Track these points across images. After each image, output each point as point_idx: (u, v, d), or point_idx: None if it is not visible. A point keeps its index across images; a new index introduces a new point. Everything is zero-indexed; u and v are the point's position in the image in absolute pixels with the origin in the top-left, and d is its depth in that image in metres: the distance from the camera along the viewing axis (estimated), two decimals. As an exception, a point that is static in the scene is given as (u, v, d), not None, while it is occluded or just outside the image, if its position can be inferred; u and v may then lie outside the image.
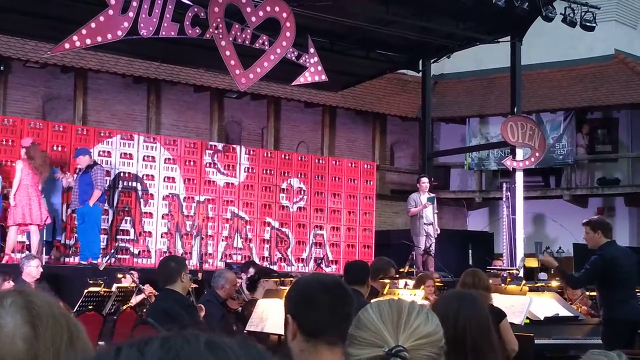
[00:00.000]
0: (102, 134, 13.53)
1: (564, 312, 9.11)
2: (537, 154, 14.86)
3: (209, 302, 7.89)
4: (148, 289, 9.19)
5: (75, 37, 10.78)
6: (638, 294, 8.88)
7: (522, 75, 15.48)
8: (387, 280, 7.78)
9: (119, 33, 11.00)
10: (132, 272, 10.08)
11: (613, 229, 8.38)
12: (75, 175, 12.14)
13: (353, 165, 16.10)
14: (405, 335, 1.63)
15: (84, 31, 10.79)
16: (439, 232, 14.14)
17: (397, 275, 8.47)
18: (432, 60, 16.56)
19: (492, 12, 13.64)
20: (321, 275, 3.14)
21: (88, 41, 10.90)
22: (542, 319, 8.77)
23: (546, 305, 9.13)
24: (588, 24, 14.45)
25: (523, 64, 15.37)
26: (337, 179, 15.67)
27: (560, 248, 19.22)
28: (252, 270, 10.17)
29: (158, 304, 6.35)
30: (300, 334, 2.48)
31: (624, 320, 8.00)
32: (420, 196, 13.95)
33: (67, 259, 12.54)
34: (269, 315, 7.22)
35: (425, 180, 14.15)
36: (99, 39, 10.94)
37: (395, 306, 1.72)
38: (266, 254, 14.64)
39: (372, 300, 1.80)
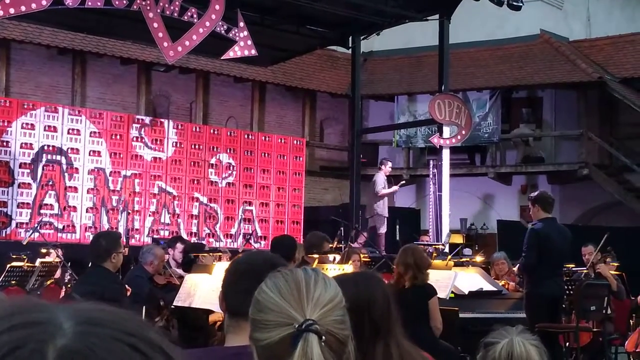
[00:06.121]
0: (25, 106, 13.20)
1: (487, 287, 9.32)
2: (463, 132, 15.03)
3: (137, 277, 7.83)
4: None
5: (-3, 6, 10.46)
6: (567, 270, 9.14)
7: (449, 53, 15.62)
8: (315, 255, 7.83)
9: (44, 2, 10.70)
10: (57, 248, 9.91)
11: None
12: None
13: (282, 141, 16.07)
14: (310, 307, 1.60)
15: (7, 0, 10.48)
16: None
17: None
18: (361, 37, 16.57)
19: (421, -10, 13.71)
20: (257, 255, 3.08)
21: (12, 10, 10.59)
22: (466, 293, 8.96)
23: (471, 280, 9.33)
24: (515, 3, 14.63)
25: (451, 42, 15.48)
26: (266, 154, 15.62)
27: (484, 225, 19.59)
28: (180, 246, 10.06)
29: (86, 279, 6.27)
30: (226, 311, 2.54)
31: (544, 296, 8.22)
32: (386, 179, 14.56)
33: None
34: (197, 290, 7.20)
35: (390, 164, 14.80)
36: (23, 8, 10.63)
37: (291, 280, 1.66)
38: (194, 229, 14.55)
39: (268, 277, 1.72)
